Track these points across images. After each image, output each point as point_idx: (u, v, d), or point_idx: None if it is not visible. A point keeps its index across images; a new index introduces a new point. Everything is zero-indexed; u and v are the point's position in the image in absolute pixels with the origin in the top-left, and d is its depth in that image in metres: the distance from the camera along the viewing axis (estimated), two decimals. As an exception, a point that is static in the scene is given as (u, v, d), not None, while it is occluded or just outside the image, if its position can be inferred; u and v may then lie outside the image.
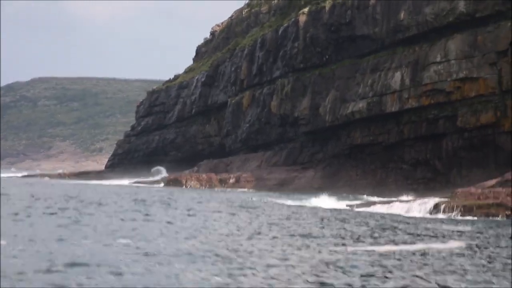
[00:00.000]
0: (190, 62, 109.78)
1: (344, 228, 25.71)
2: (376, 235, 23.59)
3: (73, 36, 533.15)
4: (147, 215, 29.94)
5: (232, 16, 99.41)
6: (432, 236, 23.56)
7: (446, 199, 37.07)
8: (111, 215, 29.15)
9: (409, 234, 24.19)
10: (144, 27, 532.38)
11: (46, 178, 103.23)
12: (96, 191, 54.96)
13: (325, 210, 37.23)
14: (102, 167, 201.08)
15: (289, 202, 44.40)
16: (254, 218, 29.71)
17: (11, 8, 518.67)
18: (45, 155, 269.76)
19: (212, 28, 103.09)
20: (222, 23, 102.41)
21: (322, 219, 29.99)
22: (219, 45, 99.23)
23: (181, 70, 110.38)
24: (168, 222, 26.37)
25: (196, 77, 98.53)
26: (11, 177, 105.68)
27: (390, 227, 26.74)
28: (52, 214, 28.77)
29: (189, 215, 30.97)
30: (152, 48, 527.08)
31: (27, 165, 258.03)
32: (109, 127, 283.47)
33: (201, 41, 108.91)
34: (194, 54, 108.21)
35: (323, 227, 25.98)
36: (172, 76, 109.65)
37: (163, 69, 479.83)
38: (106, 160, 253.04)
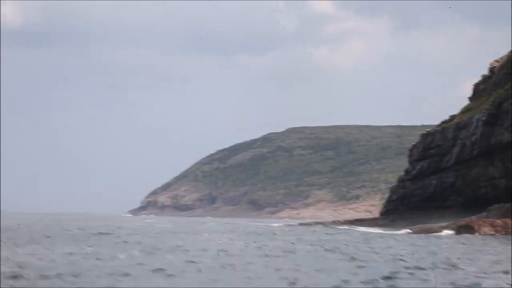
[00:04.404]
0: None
1: None
2: None
3: (319, 85, 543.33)
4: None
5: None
6: None
7: None
8: None
9: None
10: (389, 75, 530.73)
11: (320, 226, 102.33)
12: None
13: None
14: (360, 215, 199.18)
15: None
16: None
17: (265, 61, 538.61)
18: (304, 203, 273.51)
19: (490, 64, 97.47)
20: (501, 58, 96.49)
21: None
22: (499, 81, 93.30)
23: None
24: None
25: (476, 117, 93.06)
26: (287, 225, 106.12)
27: None
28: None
29: None
30: (400, 95, 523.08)
31: (287, 214, 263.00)
32: (364, 174, 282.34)
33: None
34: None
35: None
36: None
37: (414, 115, 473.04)
38: (364, 207, 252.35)
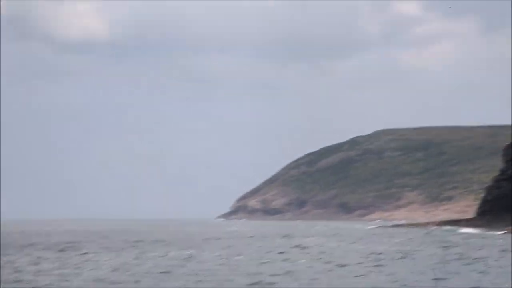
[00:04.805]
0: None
1: None
2: None
3: (408, 87, 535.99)
4: None
5: None
6: None
7: None
8: None
9: None
10: (479, 75, 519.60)
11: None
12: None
13: None
14: (454, 216, 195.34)
15: None
16: None
17: (350, 64, 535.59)
18: (395, 205, 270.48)
19: None
20: None
21: None
22: None
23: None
24: None
25: None
26: (377, 227, 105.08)
27: None
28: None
29: None
30: (491, 94, 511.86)
31: (378, 216, 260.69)
32: (456, 175, 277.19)
33: None
34: None
35: None
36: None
37: (507, 114, 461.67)
38: (457, 208, 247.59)
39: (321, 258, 38.03)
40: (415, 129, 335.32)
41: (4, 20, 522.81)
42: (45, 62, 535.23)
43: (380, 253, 41.87)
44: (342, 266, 34.34)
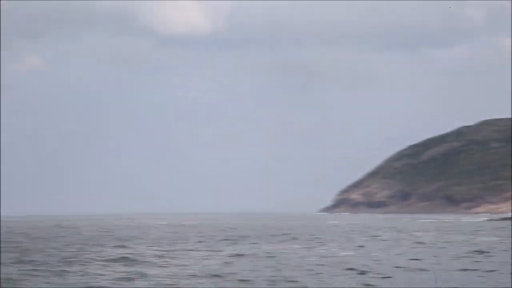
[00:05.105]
0: None
1: None
2: None
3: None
4: None
5: None
6: None
7: None
8: None
9: None
10: None
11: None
12: None
13: None
14: None
15: None
16: None
17: (453, 53, 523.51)
18: (501, 198, 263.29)
19: None
20: None
21: None
22: None
23: None
24: None
25: None
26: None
27: None
28: None
29: None
30: None
31: (484, 209, 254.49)
32: None
33: None
34: None
35: None
36: None
37: None
38: None
39: (432, 251, 36.87)
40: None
41: (108, 15, 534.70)
42: (147, 56, 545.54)
43: (490, 247, 40.40)
44: (451, 259, 33.20)
